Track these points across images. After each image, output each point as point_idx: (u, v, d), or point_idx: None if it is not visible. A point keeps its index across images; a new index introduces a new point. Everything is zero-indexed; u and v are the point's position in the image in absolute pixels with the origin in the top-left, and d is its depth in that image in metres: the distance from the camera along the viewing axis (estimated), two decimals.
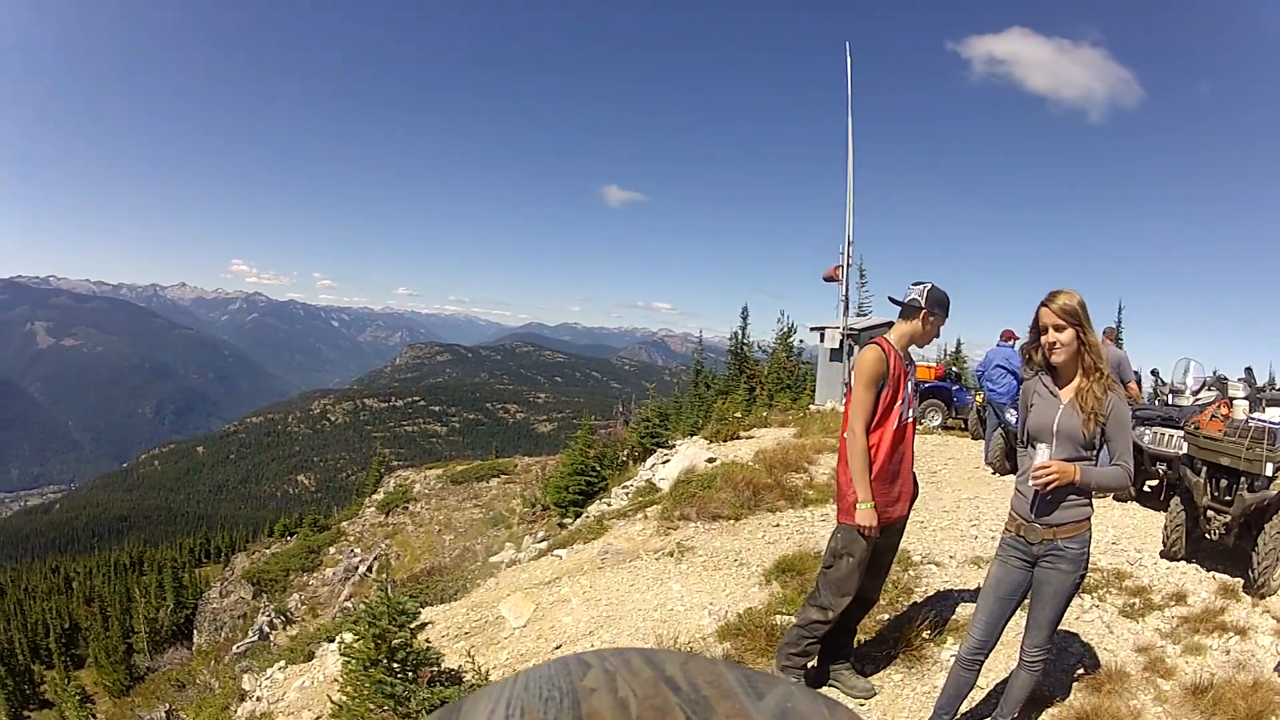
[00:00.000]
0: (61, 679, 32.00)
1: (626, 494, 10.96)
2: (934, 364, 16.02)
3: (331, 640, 8.73)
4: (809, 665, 4.38)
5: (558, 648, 6.07)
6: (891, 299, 4.12)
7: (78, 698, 20.49)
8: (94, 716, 20.78)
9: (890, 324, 4.20)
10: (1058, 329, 3.21)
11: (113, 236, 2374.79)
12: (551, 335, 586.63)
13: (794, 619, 4.67)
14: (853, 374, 4.03)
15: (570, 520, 12.14)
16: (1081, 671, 4.56)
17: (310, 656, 8.68)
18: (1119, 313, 25.36)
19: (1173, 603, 5.54)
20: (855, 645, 4.67)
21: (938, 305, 3.98)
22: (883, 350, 3.92)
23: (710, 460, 10.08)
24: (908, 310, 4.01)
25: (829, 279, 15.30)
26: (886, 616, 5.24)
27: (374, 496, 24.57)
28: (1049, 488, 3.23)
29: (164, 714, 13.83)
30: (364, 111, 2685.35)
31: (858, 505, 3.91)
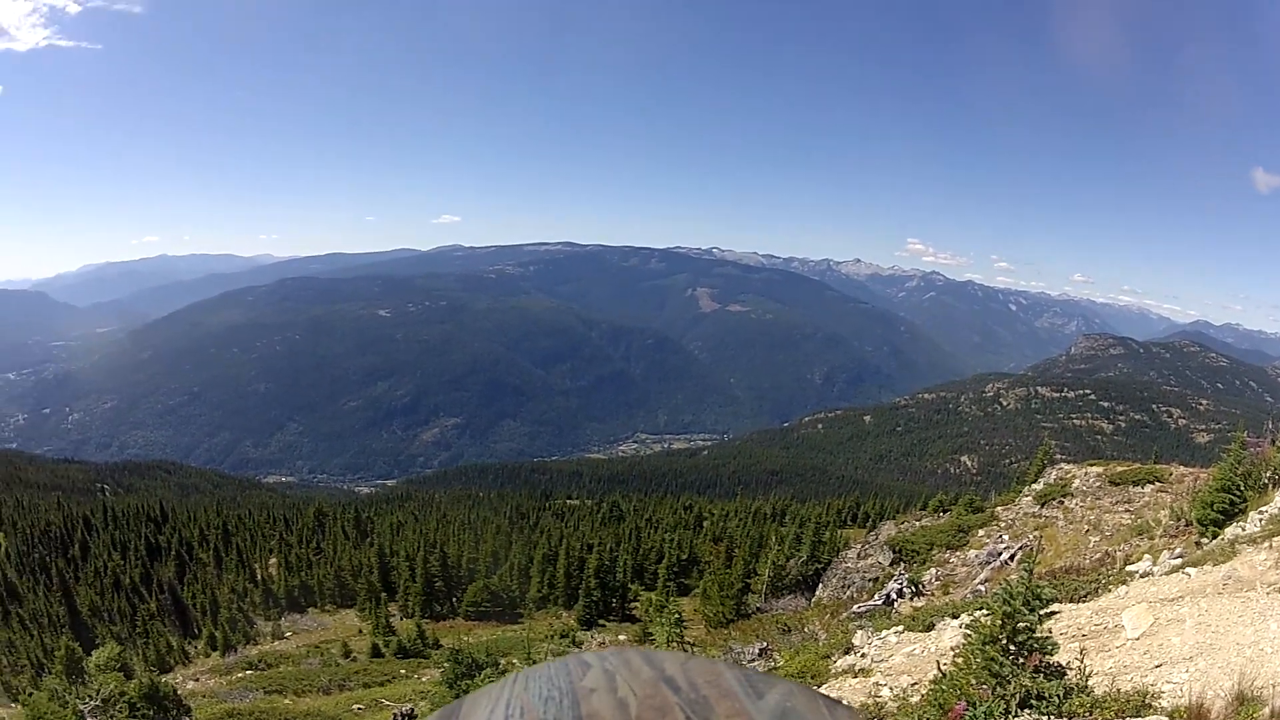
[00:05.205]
0: (659, 600, 35.71)
1: (1261, 519, 10.58)
2: None
3: (955, 617, 9.01)
4: None
5: (1158, 666, 6.32)
6: None
7: (675, 618, 22.39)
8: (681, 638, 22.29)
9: None
10: None
11: (784, 215, 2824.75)
12: (1216, 336, 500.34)
13: None
14: None
15: (1208, 539, 11.99)
16: None
17: (930, 628, 9.24)
18: None
19: None
20: None
21: None
22: None
23: None
24: None
25: None
26: None
27: (1033, 486, 23.84)
28: None
29: (758, 650, 14.10)
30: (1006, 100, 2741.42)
31: None
